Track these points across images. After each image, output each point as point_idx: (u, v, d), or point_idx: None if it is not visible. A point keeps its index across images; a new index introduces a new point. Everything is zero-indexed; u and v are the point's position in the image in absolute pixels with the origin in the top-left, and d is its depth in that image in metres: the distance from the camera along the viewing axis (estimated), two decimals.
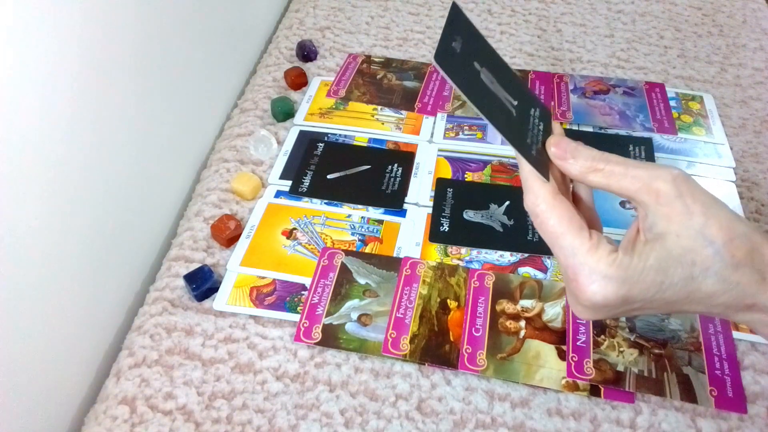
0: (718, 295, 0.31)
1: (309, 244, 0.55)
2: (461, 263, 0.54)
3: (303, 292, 0.52)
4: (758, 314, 0.32)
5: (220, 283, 0.52)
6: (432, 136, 0.65)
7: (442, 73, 0.33)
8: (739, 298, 0.31)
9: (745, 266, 0.31)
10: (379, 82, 0.71)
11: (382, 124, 0.66)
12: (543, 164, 0.35)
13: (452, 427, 0.45)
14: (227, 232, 0.55)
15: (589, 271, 0.32)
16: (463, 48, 0.34)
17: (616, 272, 0.32)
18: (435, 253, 0.55)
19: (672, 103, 0.69)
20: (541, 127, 0.36)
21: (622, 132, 0.66)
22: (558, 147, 0.35)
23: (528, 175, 0.35)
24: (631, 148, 0.64)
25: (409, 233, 0.56)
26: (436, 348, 0.48)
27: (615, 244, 0.34)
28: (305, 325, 0.49)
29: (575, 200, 0.37)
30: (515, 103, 0.36)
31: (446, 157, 0.63)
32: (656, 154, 0.63)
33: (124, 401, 0.46)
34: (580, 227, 0.33)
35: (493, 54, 0.37)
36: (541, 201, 0.34)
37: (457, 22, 0.35)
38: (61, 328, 0.45)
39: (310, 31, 0.79)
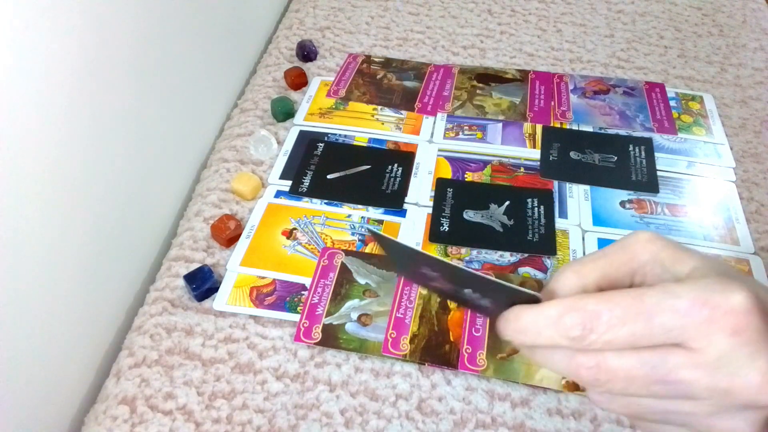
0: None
1: (309, 244, 0.55)
2: (461, 263, 0.54)
3: (303, 292, 0.52)
4: None
5: (220, 283, 0.52)
6: (432, 136, 0.65)
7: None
8: None
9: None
10: (379, 82, 0.71)
11: (382, 124, 0.66)
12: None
13: (452, 427, 0.45)
14: (227, 232, 0.55)
15: (707, 287, 0.25)
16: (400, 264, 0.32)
17: (719, 276, 0.25)
18: (435, 253, 0.55)
19: (672, 103, 0.69)
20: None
21: (622, 132, 0.66)
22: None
23: (529, 312, 0.27)
24: (631, 148, 0.64)
25: (409, 233, 0.56)
26: (436, 348, 0.48)
27: None
28: (305, 325, 0.49)
29: None
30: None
31: (446, 157, 0.63)
32: (656, 154, 0.63)
33: (124, 401, 0.46)
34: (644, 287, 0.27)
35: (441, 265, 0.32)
36: (583, 299, 0.26)
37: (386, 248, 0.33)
38: (61, 328, 0.45)
39: (310, 31, 0.79)
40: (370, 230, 0.33)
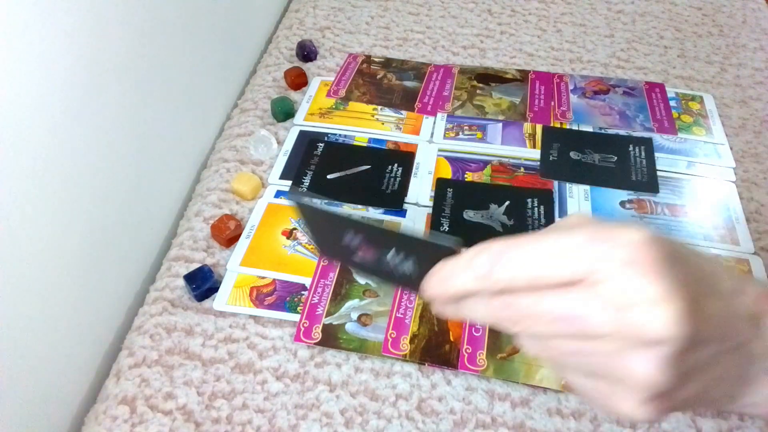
0: (721, 274, 0.26)
1: (309, 244, 0.55)
2: None
3: (303, 292, 0.52)
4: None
5: (220, 283, 0.52)
6: (432, 136, 0.65)
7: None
8: (734, 277, 0.27)
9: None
10: (379, 82, 0.71)
11: (382, 124, 0.66)
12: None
13: (452, 427, 0.45)
14: (227, 232, 0.55)
15: (602, 227, 0.24)
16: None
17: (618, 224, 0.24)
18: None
19: (672, 103, 0.69)
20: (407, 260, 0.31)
21: (622, 132, 0.66)
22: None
23: (445, 263, 0.27)
24: (631, 148, 0.64)
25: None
26: (436, 348, 0.48)
27: None
28: (305, 325, 0.49)
29: None
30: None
31: (446, 157, 0.63)
32: (656, 154, 0.63)
33: (124, 401, 0.46)
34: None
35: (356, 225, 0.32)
36: (491, 243, 0.26)
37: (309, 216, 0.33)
38: (61, 328, 0.45)
39: (310, 31, 0.79)
40: (295, 202, 0.32)
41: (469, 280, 0.26)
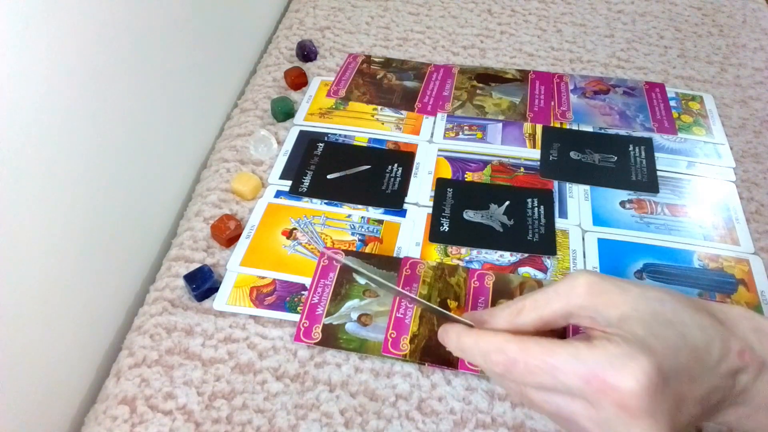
0: (712, 345, 0.31)
1: (309, 244, 0.55)
2: (461, 263, 0.54)
3: (303, 292, 0.52)
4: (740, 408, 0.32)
5: (220, 283, 0.52)
6: (432, 136, 0.65)
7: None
8: (724, 343, 0.31)
9: (701, 311, 0.32)
10: (379, 82, 0.71)
11: (382, 124, 0.66)
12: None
13: (452, 427, 0.45)
14: (227, 232, 0.55)
15: (608, 361, 0.29)
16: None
17: (628, 347, 0.29)
18: (435, 253, 0.55)
19: (672, 103, 0.69)
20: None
21: (622, 132, 0.66)
22: (473, 317, 0.35)
23: (477, 340, 0.33)
24: (631, 148, 0.64)
25: (409, 233, 0.56)
26: (436, 348, 0.48)
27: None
28: (305, 325, 0.49)
29: None
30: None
31: (446, 157, 0.63)
32: (656, 154, 0.63)
33: (124, 401, 0.46)
34: (561, 341, 0.31)
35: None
36: (508, 345, 0.32)
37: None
38: (61, 328, 0.45)
39: (310, 31, 0.79)
40: (345, 264, 0.38)
41: (485, 368, 0.33)
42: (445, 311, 0.38)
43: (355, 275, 0.52)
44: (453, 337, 0.35)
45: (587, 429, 0.30)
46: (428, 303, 0.39)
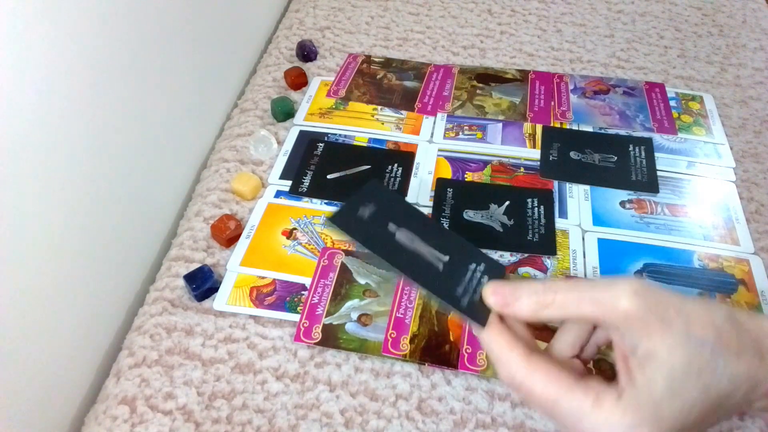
0: (737, 392, 0.29)
1: (309, 244, 0.55)
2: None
3: (303, 292, 0.52)
4: None
5: (220, 283, 0.52)
6: (432, 136, 0.65)
7: (337, 231, 0.33)
8: (755, 387, 0.30)
9: (744, 353, 0.29)
10: (379, 82, 0.71)
11: (382, 124, 0.66)
12: (480, 312, 0.34)
13: (452, 427, 0.45)
14: (227, 232, 0.55)
15: (607, 430, 0.28)
16: (375, 212, 0.36)
17: (634, 416, 0.28)
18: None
19: (672, 103, 0.69)
20: (484, 280, 0.35)
21: (622, 132, 0.66)
22: (495, 294, 0.32)
23: (491, 344, 0.32)
24: (631, 148, 0.64)
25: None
26: (436, 348, 0.48)
27: (612, 389, 0.30)
28: (305, 325, 0.49)
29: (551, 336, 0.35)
30: (445, 258, 0.36)
31: (446, 157, 0.63)
32: (656, 154, 0.63)
33: (124, 401, 0.46)
34: (571, 385, 0.30)
35: (422, 219, 0.37)
36: (516, 370, 0.31)
37: (371, 192, 0.37)
38: (61, 328, 0.45)
39: (310, 31, 0.79)
40: (328, 220, 0.36)
41: (525, 300, 0.32)
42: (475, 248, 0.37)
43: (355, 275, 0.52)
44: (482, 333, 0.33)
45: None
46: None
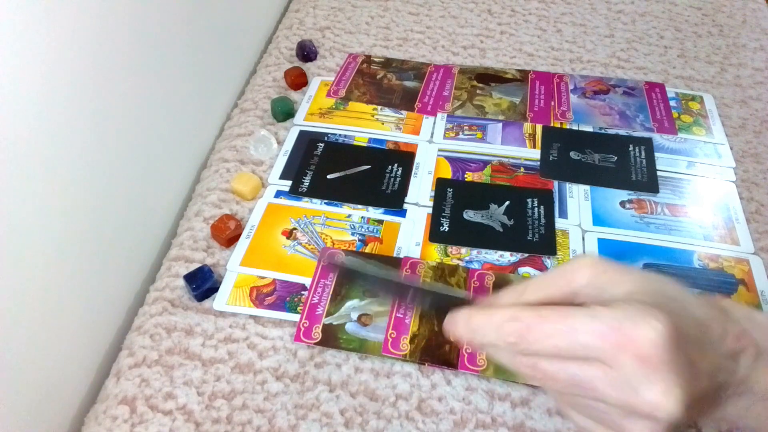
0: (711, 322, 0.31)
1: (309, 244, 0.55)
2: (461, 263, 0.54)
3: (303, 292, 0.52)
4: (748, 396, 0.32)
5: (220, 283, 0.52)
6: (432, 136, 0.65)
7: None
8: (722, 330, 0.31)
9: (699, 296, 0.32)
10: (379, 82, 0.71)
11: (382, 124, 0.66)
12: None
13: (452, 427, 0.45)
14: (227, 232, 0.55)
15: (625, 316, 0.28)
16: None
17: (644, 304, 0.29)
18: (435, 253, 0.55)
19: (672, 103, 0.69)
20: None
21: (622, 132, 0.66)
22: (460, 320, 0.33)
23: (470, 318, 0.32)
24: (631, 148, 0.64)
25: (409, 233, 0.56)
26: (436, 348, 0.48)
27: None
28: (305, 325, 0.49)
29: None
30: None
31: (446, 157, 0.63)
32: (656, 154, 0.63)
33: (124, 401, 0.46)
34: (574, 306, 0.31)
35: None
36: (523, 311, 0.31)
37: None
38: (61, 328, 0.45)
39: (310, 31, 0.79)
40: (339, 265, 0.39)
41: (497, 341, 0.31)
42: (454, 292, 0.37)
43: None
44: (462, 320, 0.33)
45: (605, 394, 0.29)
46: (435, 289, 0.36)
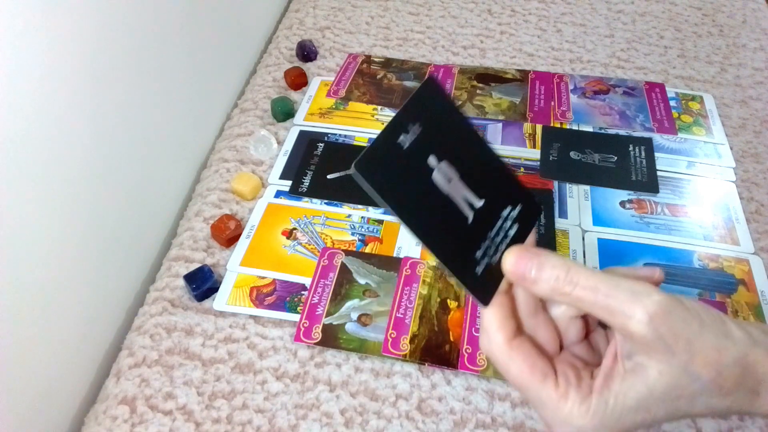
0: (708, 414, 0.30)
1: (309, 244, 0.55)
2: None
3: (303, 292, 0.52)
4: (756, 416, 0.32)
5: (220, 283, 0.52)
6: None
7: (362, 183, 0.28)
8: (731, 413, 0.30)
9: (736, 392, 0.29)
10: (379, 82, 0.71)
11: (382, 124, 0.66)
12: (489, 284, 0.31)
13: (452, 427, 0.45)
14: (227, 232, 0.55)
15: (561, 423, 0.30)
16: (418, 139, 0.29)
17: (591, 422, 0.29)
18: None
19: (672, 103, 0.69)
20: (512, 231, 0.32)
21: (622, 132, 0.66)
22: (516, 267, 0.31)
23: (484, 314, 0.32)
24: (631, 148, 0.64)
25: (409, 233, 0.56)
26: (436, 348, 0.48)
27: (587, 381, 0.31)
28: (305, 325, 0.49)
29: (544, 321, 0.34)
30: (479, 204, 0.31)
31: None
32: (656, 154, 0.63)
33: (124, 401, 0.46)
34: (543, 376, 0.31)
35: (472, 141, 0.31)
36: (496, 348, 0.31)
37: (424, 103, 0.30)
38: (61, 328, 0.45)
39: (310, 31, 0.79)
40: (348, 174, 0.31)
41: (548, 290, 0.30)
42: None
43: (355, 275, 0.52)
44: (533, 262, 0.31)
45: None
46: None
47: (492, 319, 0.31)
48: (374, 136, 0.33)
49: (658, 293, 0.29)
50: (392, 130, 0.29)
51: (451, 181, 0.30)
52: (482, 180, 0.31)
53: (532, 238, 0.33)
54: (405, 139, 0.29)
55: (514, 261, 0.31)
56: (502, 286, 0.32)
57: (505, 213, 0.32)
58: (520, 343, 0.31)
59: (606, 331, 0.34)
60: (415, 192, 0.29)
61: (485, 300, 0.31)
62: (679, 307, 0.29)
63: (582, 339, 0.34)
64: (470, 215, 0.30)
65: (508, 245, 0.31)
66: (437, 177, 0.30)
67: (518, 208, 0.32)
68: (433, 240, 0.30)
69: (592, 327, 0.34)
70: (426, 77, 0.31)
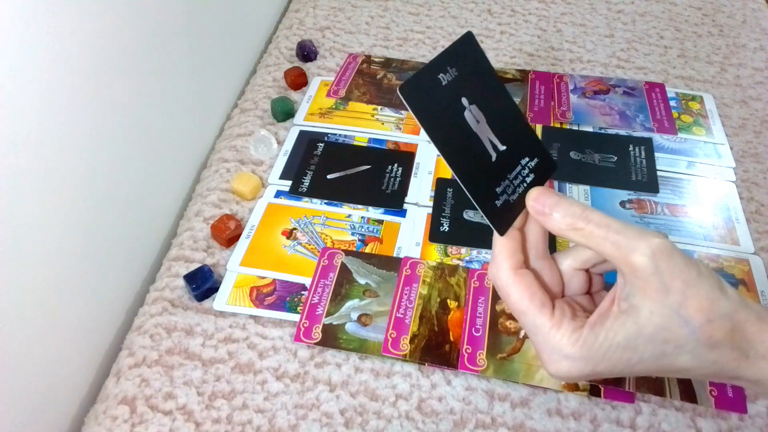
0: (694, 370, 0.31)
1: (309, 244, 0.55)
2: (461, 263, 0.54)
3: (303, 292, 0.52)
4: (743, 382, 0.32)
5: (220, 283, 0.52)
6: None
7: (404, 102, 0.31)
8: (718, 373, 0.31)
9: (724, 346, 0.30)
10: (379, 82, 0.71)
11: (382, 124, 0.66)
12: (506, 217, 0.34)
13: (452, 427, 0.45)
14: (227, 232, 0.55)
15: (550, 350, 0.32)
16: (454, 80, 0.33)
17: (579, 352, 0.31)
18: (435, 253, 0.55)
19: (672, 103, 0.69)
20: (529, 179, 0.35)
21: (622, 132, 0.66)
22: (537, 201, 0.34)
23: (496, 243, 0.34)
24: (631, 148, 0.64)
25: (409, 233, 0.56)
26: (436, 348, 0.48)
27: (582, 317, 0.33)
28: (305, 325, 0.49)
29: (549, 265, 0.36)
30: (502, 148, 0.34)
31: None
32: (656, 154, 0.63)
33: (124, 401, 0.46)
34: (541, 304, 0.33)
35: (499, 94, 0.35)
36: (503, 274, 0.34)
37: (461, 52, 0.33)
38: (61, 328, 0.45)
39: (310, 31, 0.79)
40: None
41: (559, 218, 0.33)
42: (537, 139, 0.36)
43: (355, 275, 0.52)
44: (550, 200, 0.34)
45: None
46: None
47: (503, 248, 0.34)
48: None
49: (665, 238, 0.31)
50: (433, 67, 0.32)
51: (480, 122, 0.34)
52: (506, 130, 0.34)
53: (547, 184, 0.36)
54: (443, 78, 0.32)
55: (537, 195, 0.34)
56: (517, 222, 0.35)
57: (523, 161, 0.35)
58: (525, 273, 0.34)
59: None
60: (448, 122, 0.33)
61: (501, 230, 0.34)
62: (681, 253, 0.31)
63: (584, 292, 0.36)
64: (493, 156, 0.34)
65: (527, 189, 0.34)
66: (468, 116, 0.33)
67: (535, 161, 0.35)
68: (461, 167, 0.33)
69: (596, 287, 0.37)
70: (465, 32, 0.34)
